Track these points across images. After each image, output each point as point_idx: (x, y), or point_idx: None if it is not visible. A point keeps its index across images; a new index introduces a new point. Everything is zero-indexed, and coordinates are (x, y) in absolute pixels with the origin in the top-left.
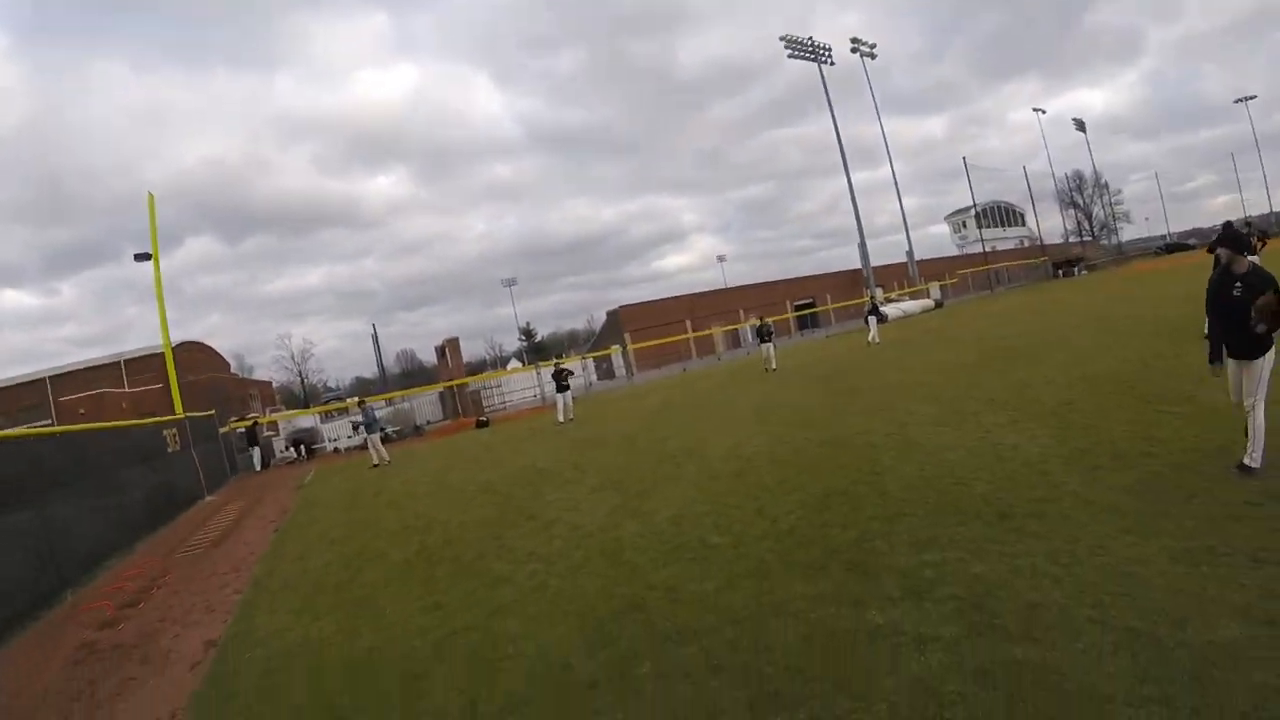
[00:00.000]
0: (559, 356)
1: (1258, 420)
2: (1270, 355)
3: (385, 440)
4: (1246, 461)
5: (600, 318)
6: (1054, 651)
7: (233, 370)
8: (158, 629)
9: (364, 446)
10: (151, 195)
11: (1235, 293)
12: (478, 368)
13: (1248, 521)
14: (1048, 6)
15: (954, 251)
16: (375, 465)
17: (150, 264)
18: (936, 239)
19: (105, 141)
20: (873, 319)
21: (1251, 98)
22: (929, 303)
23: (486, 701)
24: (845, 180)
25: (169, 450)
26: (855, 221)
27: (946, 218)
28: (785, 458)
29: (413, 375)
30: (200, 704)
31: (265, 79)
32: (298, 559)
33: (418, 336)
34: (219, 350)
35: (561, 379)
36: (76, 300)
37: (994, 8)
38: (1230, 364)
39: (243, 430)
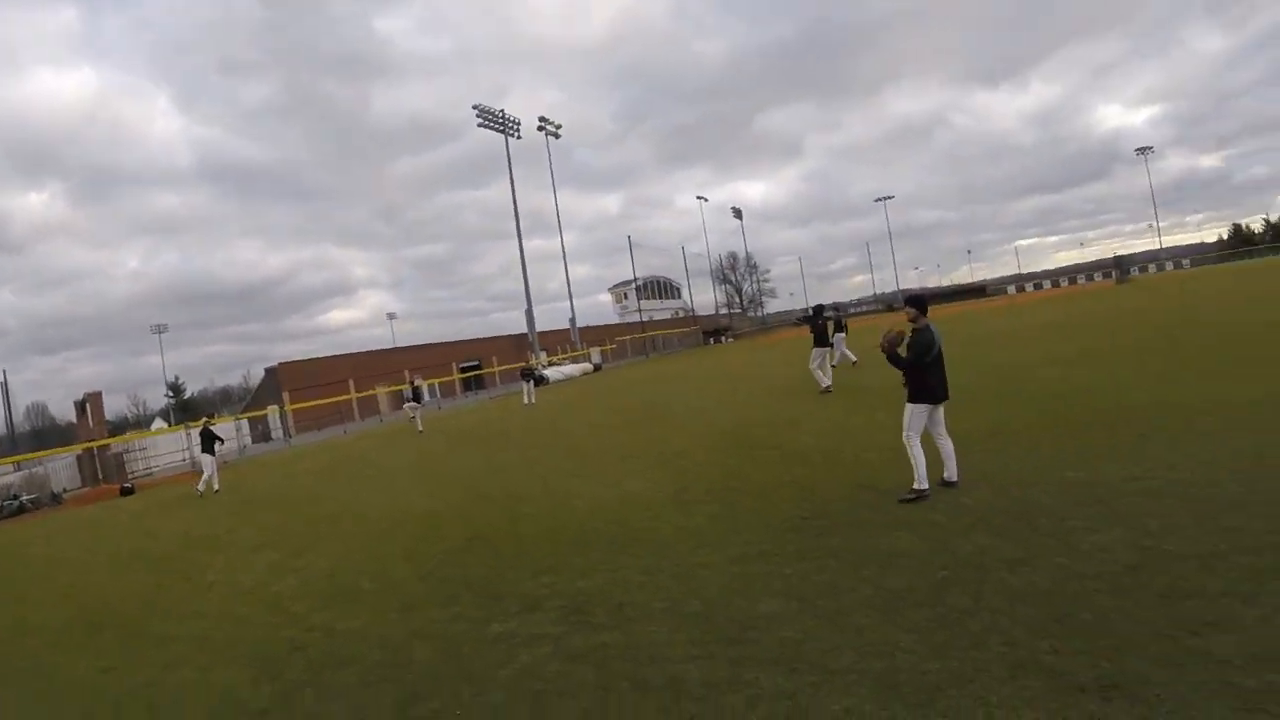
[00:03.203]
0: (210, 416)
1: (914, 453)
2: (909, 406)
3: (20, 511)
4: (915, 487)
5: (257, 374)
6: (632, 634)
7: None
8: None
9: None
10: None
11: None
12: (119, 426)
13: (799, 533)
14: (726, 107)
15: (615, 319)
16: None
17: None
18: (602, 307)
19: None
20: (528, 382)
21: (889, 198)
22: (588, 366)
23: None
24: (519, 246)
25: None
26: (524, 287)
27: (610, 288)
28: (435, 511)
29: (44, 434)
30: None
31: None
32: None
33: (53, 386)
34: None
35: (208, 440)
36: None
37: (680, 103)
38: None
39: None
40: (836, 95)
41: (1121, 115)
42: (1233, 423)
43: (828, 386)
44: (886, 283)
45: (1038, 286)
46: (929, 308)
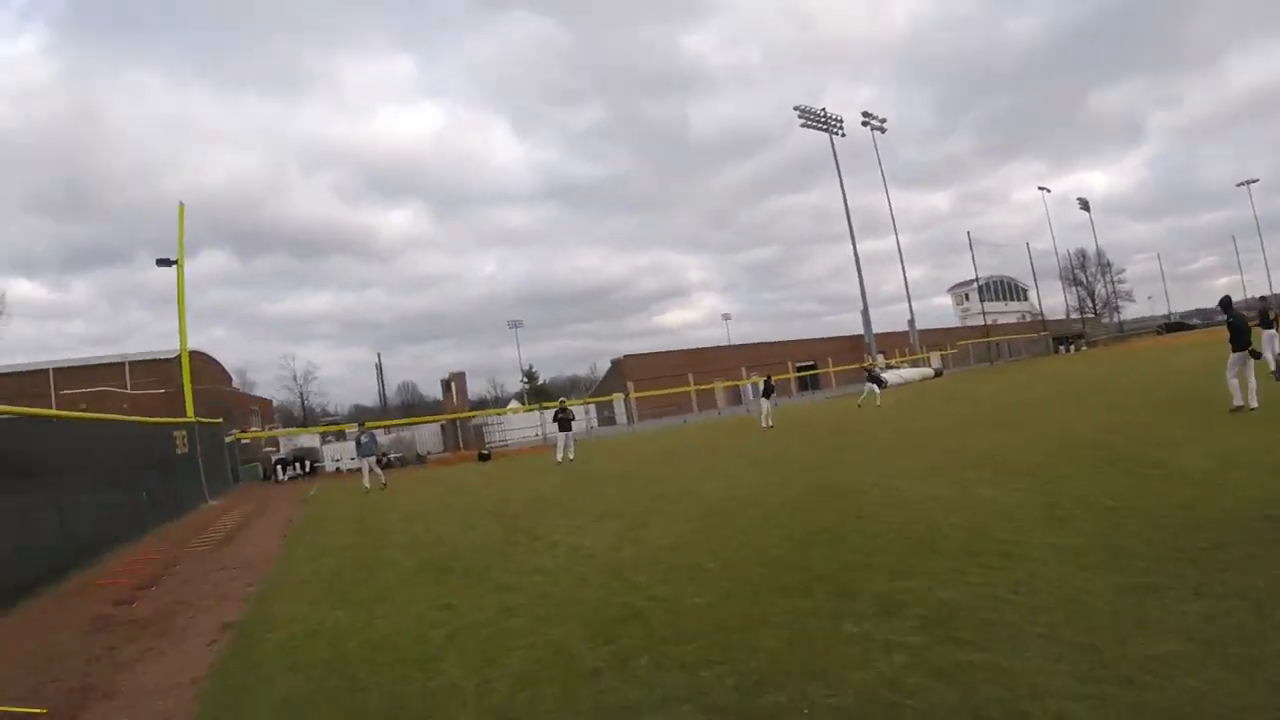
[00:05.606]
0: (564, 398)
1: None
2: None
3: (386, 466)
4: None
5: (603, 366)
6: (1005, 658)
7: (235, 384)
8: (173, 609)
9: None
10: (181, 205)
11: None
12: (478, 405)
13: (1196, 563)
14: (1053, 90)
15: (956, 323)
16: (368, 490)
17: (167, 269)
18: (939, 310)
19: (132, 147)
20: (871, 385)
21: (1253, 181)
22: (928, 371)
23: (498, 680)
24: (850, 248)
25: (177, 451)
26: (859, 288)
27: (950, 289)
28: (776, 500)
29: (413, 407)
30: (223, 672)
31: (293, 106)
32: (310, 560)
33: (420, 370)
34: (222, 363)
35: (564, 418)
36: (86, 298)
37: (1001, 89)
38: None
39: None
40: (1171, 66)
41: None
42: None
43: (1239, 405)
44: (1257, 284)
45: None
46: None
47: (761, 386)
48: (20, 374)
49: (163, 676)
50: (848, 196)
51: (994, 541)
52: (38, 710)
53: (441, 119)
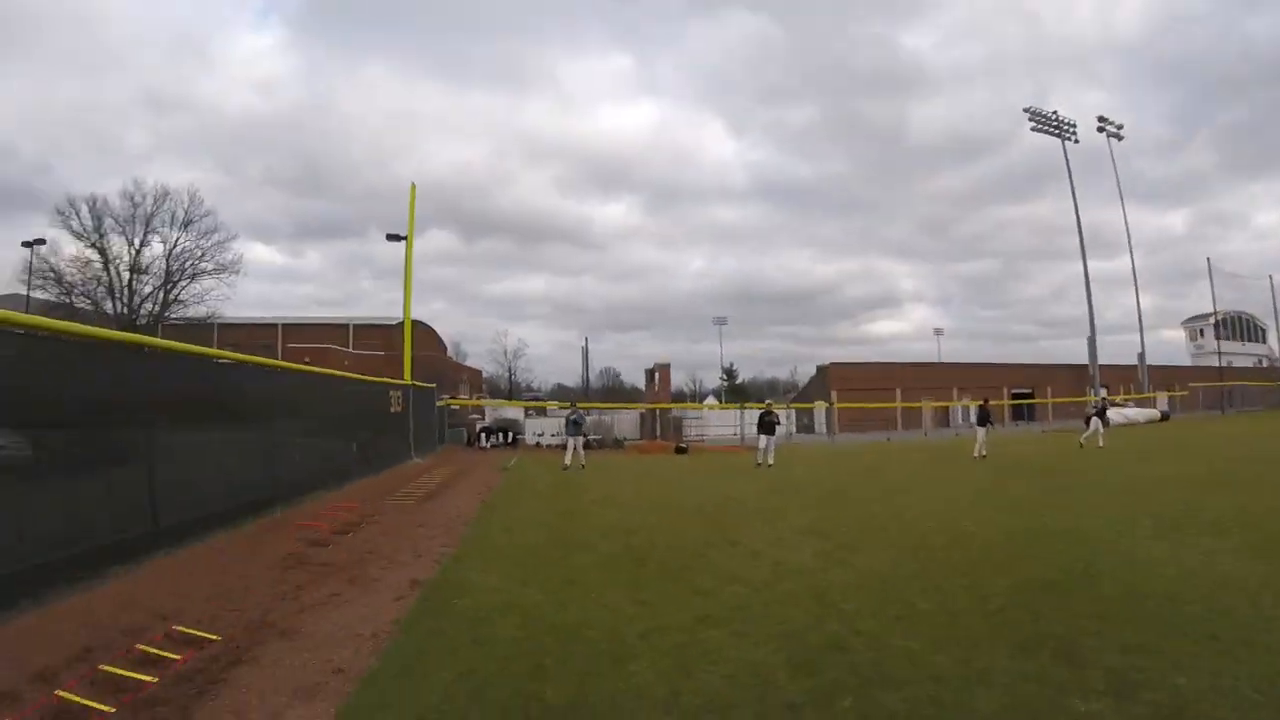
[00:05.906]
0: (770, 401)
1: None
2: None
3: (587, 447)
4: None
5: (804, 370)
6: None
7: (449, 354)
8: (365, 559)
9: (564, 445)
10: (413, 185)
11: None
12: (676, 398)
13: None
14: None
15: (1185, 361)
16: (566, 467)
17: (397, 244)
18: (1166, 345)
19: (364, 135)
20: (1097, 420)
21: None
22: (1154, 413)
23: (690, 694)
24: (1078, 267)
25: (391, 410)
26: (1087, 313)
27: (1183, 323)
28: (994, 540)
29: (612, 392)
30: (406, 629)
31: (517, 102)
32: (506, 531)
33: (623, 357)
34: (439, 333)
35: (770, 421)
36: (318, 265)
37: (1245, 97)
38: None
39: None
40: None
41: None
42: None
43: None
44: None
45: None
46: None
47: (976, 413)
48: (251, 325)
49: (345, 624)
50: (1074, 211)
51: (1237, 626)
52: (212, 637)
53: (657, 116)
